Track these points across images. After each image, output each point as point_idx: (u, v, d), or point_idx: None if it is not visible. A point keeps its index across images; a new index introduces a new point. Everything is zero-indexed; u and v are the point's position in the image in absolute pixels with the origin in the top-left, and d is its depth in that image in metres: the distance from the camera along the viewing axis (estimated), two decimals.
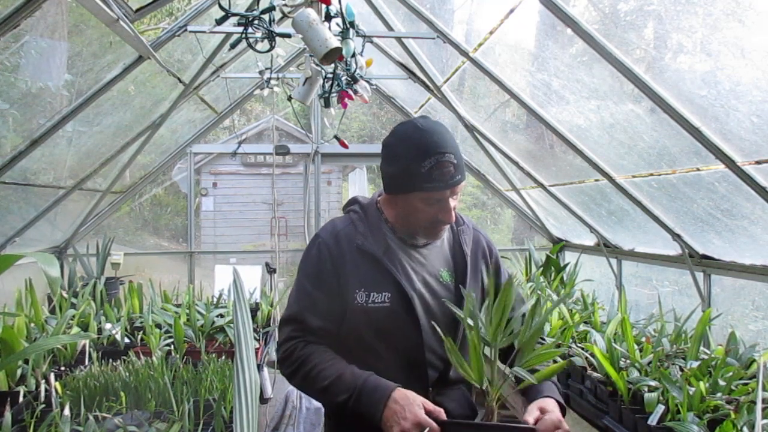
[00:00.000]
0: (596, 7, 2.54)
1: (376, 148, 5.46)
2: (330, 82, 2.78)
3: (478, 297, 1.43)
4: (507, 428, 1.15)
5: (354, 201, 1.50)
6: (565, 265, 4.31)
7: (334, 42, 2.05)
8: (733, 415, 1.80)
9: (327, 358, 1.31)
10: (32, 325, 2.71)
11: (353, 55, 2.58)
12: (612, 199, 3.47)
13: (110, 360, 2.37)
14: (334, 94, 2.84)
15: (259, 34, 2.20)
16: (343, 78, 2.80)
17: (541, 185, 4.13)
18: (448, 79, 3.86)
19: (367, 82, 2.92)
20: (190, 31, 2.81)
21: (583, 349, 2.68)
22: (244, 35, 2.19)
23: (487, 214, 12.43)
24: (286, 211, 9.14)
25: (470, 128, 4.09)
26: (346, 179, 11.02)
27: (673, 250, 3.26)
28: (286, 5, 2.14)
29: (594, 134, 3.06)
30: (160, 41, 2.82)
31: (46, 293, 3.64)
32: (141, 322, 3.12)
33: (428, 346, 1.34)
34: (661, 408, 1.96)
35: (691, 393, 1.93)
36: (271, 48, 2.21)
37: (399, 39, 3.75)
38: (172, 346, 2.79)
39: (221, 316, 3.18)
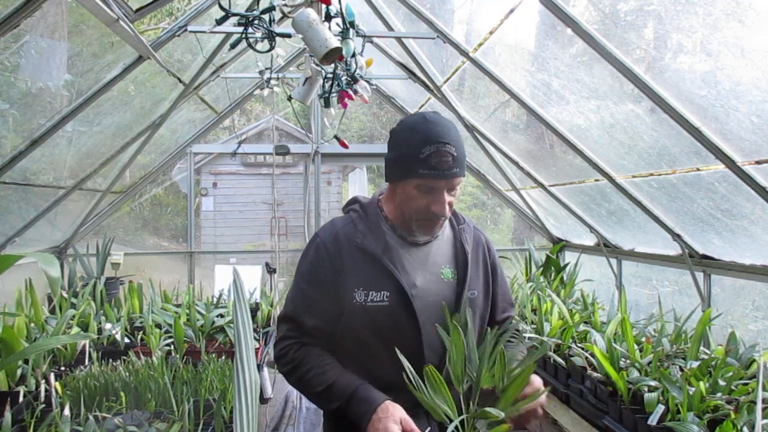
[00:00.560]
0: (596, 7, 2.54)
1: (376, 148, 5.47)
2: (330, 82, 2.78)
3: (480, 296, 1.43)
4: None
5: (354, 200, 1.51)
6: (565, 265, 4.31)
7: (334, 42, 2.05)
8: (733, 415, 1.80)
9: (321, 363, 1.32)
10: (32, 325, 2.71)
11: (353, 55, 2.58)
12: (612, 199, 3.47)
13: (110, 360, 2.37)
14: (334, 94, 2.84)
15: (259, 34, 2.20)
16: (343, 78, 2.80)
17: (541, 185, 4.13)
18: (448, 79, 3.86)
19: (367, 82, 2.92)
20: (190, 31, 2.81)
21: (583, 349, 2.68)
22: (244, 35, 2.19)
23: (487, 214, 12.43)
24: (286, 211, 9.14)
25: (470, 128, 4.09)
26: (346, 179, 11.01)
27: (673, 250, 3.26)
28: (286, 5, 2.14)
29: (594, 134, 3.06)
30: (160, 41, 2.82)
31: (46, 293, 3.64)
32: (141, 322, 3.12)
33: (428, 344, 1.34)
34: (661, 408, 1.97)
35: (691, 393, 1.93)
36: (271, 48, 2.21)
37: (399, 39, 3.75)
38: (172, 346, 2.79)
39: (221, 316, 3.18)
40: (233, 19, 2.12)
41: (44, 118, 2.75)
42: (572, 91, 2.90)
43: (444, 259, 1.42)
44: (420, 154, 1.26)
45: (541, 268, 4.44)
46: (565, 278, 4.13)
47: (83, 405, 1.85)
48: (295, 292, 1.40)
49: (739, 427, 1.74)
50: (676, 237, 3.09)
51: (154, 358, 2.34)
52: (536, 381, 1.28)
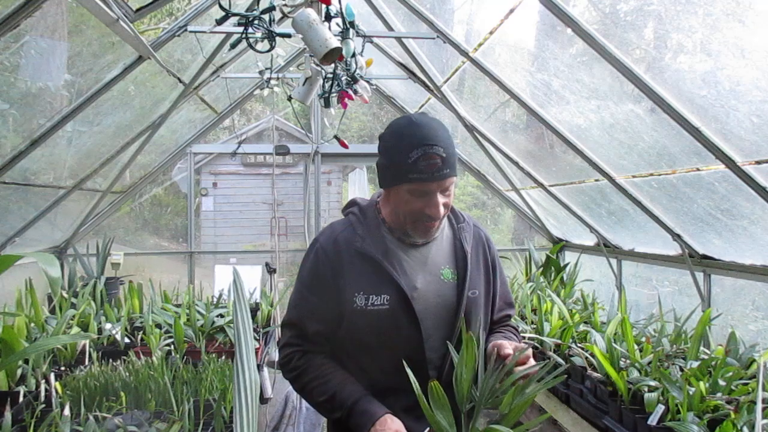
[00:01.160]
0: (596, 7, 2.54)
1: (376, 148, 5.46)
2: (330, 82, 2.78)
3: (481, 294, 1.42)
4: None
5: (353, 203, 1.50)
6: (565, 265, 4.31)
7: (334, 42, 2.05)
8: (733, 415, 1.80)
9: (324, 372, 1.33)
10: (32, 325, 2.71)
11: (353, 55, 2.58)
12: (612, 199, 3.47)
13: (110, 360, 2.37)
14: (334, 94, 2.84)
15: (259, 34, 2.20)
16: (343, 78, 2.80)
17: (541, 185, 4.13)
18: (448, 79, 3.86)
19: (367, 82, 2.92)
20: (190, 31, 2.81)
21: (583, 349, 2.68)
22: (244, 35, 2.18)
23: (487, 214, 12.43)
24: (286, 211, 9.13)
25: (470, 128, 4.09)
26: (346, 179, 11.01)
27: (673, 250, 3.26)
28: (286, 5, 2.14)
29: (594, 134, 3.06)
30: (160, 41, 2.82)
31: (46, 293, 3.64)
32: (141, 322, 3.12)
33: (429, 346, 1.34)
34: (661, 408, 1.96)
35: (691, 393, 1.93)
36: (271, 48, 2.21)
37: (399, 39, 3.75)
38: (172, 346, 2.79)
39: (221, 316, 3.18)
40: (233, 19, 2.12)
41: (44, 118, 2.75)
42: (572, 91, 2.90)
43: (444, 259, 1.41)
44: (408, 159, 1.25)
45: (541, 268, 4.44)
46: (565, 278, 4.13)
47: (83, 405, 1.85)
48: (296, 298, 1.40)
49: (739, 427, 1.74)
50: (676, 237, 3.09)
51: (154, 358, 2.34)
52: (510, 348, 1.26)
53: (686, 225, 3.01)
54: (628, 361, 2.37)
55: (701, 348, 2.43)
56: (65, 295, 3.33)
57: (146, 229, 11.16)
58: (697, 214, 2.85)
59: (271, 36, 2.15)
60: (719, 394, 1.97)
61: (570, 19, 2.29)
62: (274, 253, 4.64)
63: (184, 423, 1.79)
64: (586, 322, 3.04)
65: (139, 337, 2.92)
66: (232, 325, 2.76)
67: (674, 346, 2.54)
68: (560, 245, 4.76)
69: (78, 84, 2.79)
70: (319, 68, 2.71)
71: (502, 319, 1.53)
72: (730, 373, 2.06)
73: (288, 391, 3.46)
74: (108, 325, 2.95)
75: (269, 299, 3.84)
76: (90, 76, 2.77)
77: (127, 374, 2.12)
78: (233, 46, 2.40)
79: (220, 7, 2.07)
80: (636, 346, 2.44)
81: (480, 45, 3.14)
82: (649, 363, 2.29)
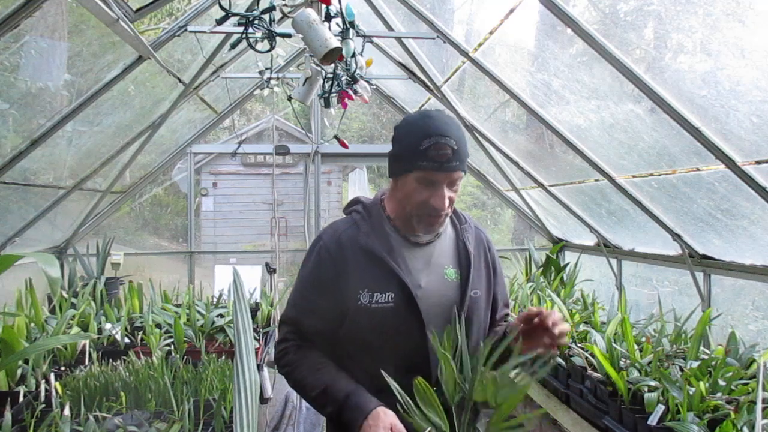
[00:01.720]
0: (596, 7, 2.54)
1: (376, 148, 5.46)
2: (330, 82, 2.79)
3: (482, 295, 1.42)
4: None
5: (356, 201, 1.50)
6: (565, 265, 4.32)
7: (334, 42, 2.05)
8: (733, 415, 1.81)
9: (316, 367, 1.33)
10: (32, 325, 2.71)
11: (353, 55, 2.58)
12: (612, 199, 3.47)
13: (110, 360, 2.37)
14: (334, 94, 2.84)
15: (259, 34, 2.20)
16: (343, 78, 2.80)
17: (541, 185, 4.13)
18: (448, 79, 3.86)
19: (367, 82, 2.92)
20: (190, 31, 2.81)
21: (583, 349, 2.68)
22: (244, 35, 2.19)
23: (487, 214, 12.43)
24: (286, 211, 9.14)
25: (470, 128, 4.09)
26: (346, 179, 11.02)
27: (673, 250, 3.26)
28: (286, 5, 2.14)
29: (594, 134, 3.06)
30: (160, 41, 2.82)
31: (46, 293, 3.63)
32: (141, 322, 3.12)
33: (433, 344, 1.34)
34: (661, 408, 1.97)
35: (691, 393, 1.93)
36: (271, 48, 2.21)
37: (399, 39, 3.75)
38: (172, 346, 2.79)
39: (221, 316, 3.18)
40: (233, 19, 2.12)
41: (44, 118, 2.75)
42: (572, 91, 2.90)
43: (447, 259, 1.42)
44: (419, 147, 1.27)
45: (541, 268, 4.44)
46: (565, 278, 4.13)
47: (83, 405, 1.85)
48: (296, 295, 1.40)
49: (739, 427, 1.74)
50: (676, 237, 3.09)
51: (154, 358, 2.34)
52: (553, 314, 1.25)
53: (686, 225, 3.01)
54: (628, 361, 2.37)
55: (701, 348, 2.43)
56: (65, 295, 3.33)
57: (146, 229, 11.16)
58: (697, 214, 2.85)
59: (271, 36, 2.15)
60: (719, 394, 1.97)
61: (570, 19, 2.29)
62: (274, 253, 4.64)
63: (184, 423, 1.79)
64: (586, 322, 3.04)
65: (139, 337, 2.92)
66: (232, 325, 2.76)
67: (674, 346, 2.54)
68: (560, 245, 4.76)
69: (78, 84, 2.79)
70: (319, 68, 2.71)
71: (503, 318, 1.54)
72: (730, 373, 2.06)
73: (288, 391, 3.46)
74: (108, 325, 2.95)
75: (269, 299, 3.84)
76: (90, 76, 2.77)
77: (127, 374, 2.12)
78: (233, 46, 2.40)
79: (220, 7, 2.07)
80: (636, 346, 2.44)
81: (480, 45, 3.14)
82: (649, 363, 2.29)
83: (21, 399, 2.00)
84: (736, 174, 2.26)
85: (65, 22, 2.58)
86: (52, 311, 3.22)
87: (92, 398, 1.99)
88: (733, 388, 2.01)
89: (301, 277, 1.41)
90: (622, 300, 3.03)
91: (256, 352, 2.96)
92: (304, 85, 2.73)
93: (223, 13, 2.09)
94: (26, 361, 2.25)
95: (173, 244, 11.07)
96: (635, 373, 2.26)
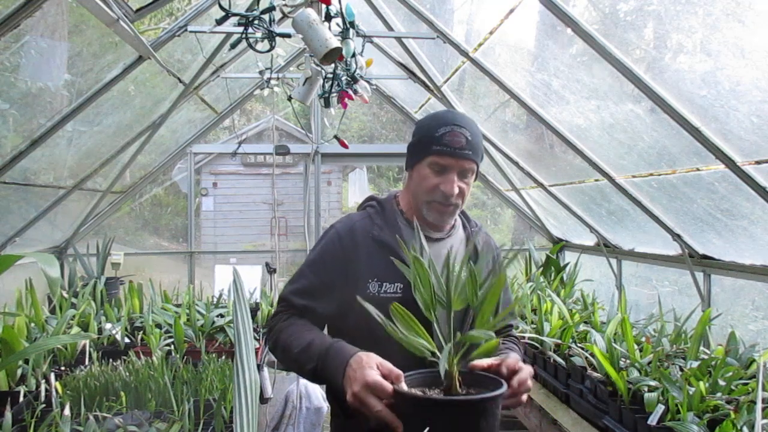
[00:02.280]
0: (596, 7, 2.54)
1: (376, 148, 5.47)
2: (330, 82, 2.78)
3: None
4: (469, 403, 0.97)
5: (371, 198, 1.55)
6: (565, 265, 4.31)
7: (334, 42, 2.05)
8: (733, 415, 1.80)
9: (302, 329, 1.31)
10: (32, 325, 2.71)
11: (353, 55, 2.58)
12: (612, 199, 3.47)
13: (110, 360, 2.37)
14: (334, 94, 2.84)
15: (259, 34, 2.21)
16: (343, 78, 2.80)
17: (541, 185, 4.13)
18: (448, 79, 3.86)
19: (367, 82, 2.92)
20: (190, 31, 2.81)
21: (583, 349, 2.68)
22: (244, 35, 2.19)
23: (487, 214, 12.43)
24: (286, 211, 9.13)
25: None
26: (346, 179, 11.01)
27: (673, 250, 3.26)
28: (286, 5, 2.14)
29: (594, 134, 3.06)
30: (160, 41, 2.82)
31: (47, 293, 3.63)
32: (141, 322, 3.12)
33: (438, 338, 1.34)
34: (661, 408, 1.97)
35: (691, 393, 1.93)
36: (271, 48, 2.21)
37: (399, 39, 3.75)
38: (172, 346, 2.79)
39: (221, 316, 3.18)
40: (233, 19, 2.12)
41: (44, 118, 2.75)
42: (572, 91, 2.90)
43: (457, 257, 1.42)
44: (435, 133, 1.33)
45: (541, 268, 4.44)
46: (565, 278, 4.13)
47: (83, 405, 1.85)
48: (297, 274, 1.43)
49: (738, 427, 1.74)
50: (676, 237, 3.09)
51: (154, 358, 2.34)
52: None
53: (686, 225, 3.01)
54: (628, 361, 2.37)
55: (701, 348, 2.43)
56: (65, 295, 3.33)
57: (146, 229, 11.16)
58: (697, 214, 2.85)
59: (271, 36, 2.15)
60: (719, 394, 1.97)
61: (570, 19, 2.29)
62: (274, 253, 4.64)
63: (184, 423, 1.79)
64: (586, 322, 3.04)
65: (139, 337, 2.92)
66: (232, 325, 2.76)
67: (674, 346, 2.54)
68: (560, 245, 4.76)
69: (78, 84, 2.79)
70: (319, 68, 2.71)
71: (505, 328, 1.54)
72: (730, 373, 2.06)
73: (288, 391, 3.46)
74: (108, 325, 2.95)
75: (269, 299, 3.84)
76: (90, 76, 2.78)
77: (127, 374, 2.12)
78: (233, 46, 2.40)
79: (220, 7, 2.07)
80: (636, 346, 2.44)
81: (480, 45, 3.14)
82: (649, 363, 2.29)
83: (21, 399, 2.00)
84: (736, 174, 2.26)
85: (65, 22, 2.58)
86: (52, 311, 3.22)
87: (92, 398, 1.99)
88: (733, 388, 2.01)
89: (307, 259, 1.44)
90: (622, 300, 3.03)
91: (256, 352, 2.96)
92: (304, 85, 2.73)
93: (223, 13, 2.09)
94: (26, 361, 2.25)
95: (173, 244, 11.06)
96: (635, 373, 2.26)
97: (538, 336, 2.94)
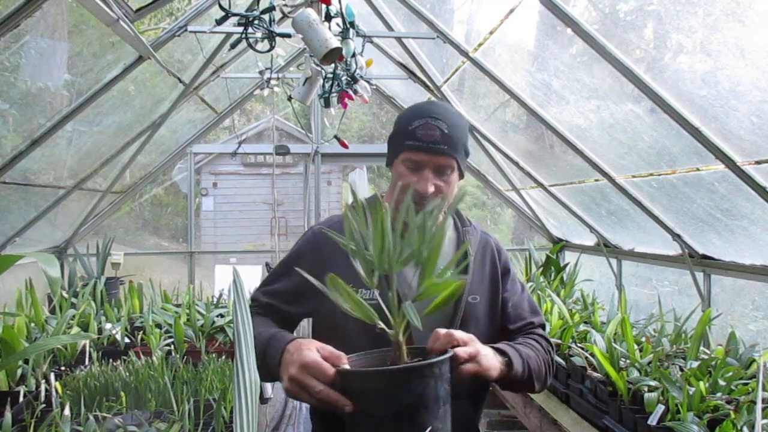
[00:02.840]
0: (596, 7, 2.54)
1: (376, 148, 5.47)
2: (330, 82, 2.79)
3: (483, 301, 1.34)
4: (414, 369, 0.90)
5: (357, 199, 1.49)
6: (565, 265, 4.31)
7: (334, 42, 2.05)
8: (733, 415, 1.81)
9: (256, 326, 1.21)
10: (32, 325, 2.71)
11: (353, 55, 2.58)
12: (612, 199, 3.47)
13: (110, 360, 2.36)
14: (334, 94, 2.84)
15: (259, 34, 2.21)
16: (343, 78, 2.80)
17: (541, 185, 4.13)
18: (448, 79, 3.87)
19: (367, 82, 2.92)
20: (190, 31, 2.81)
21: (583, 349, 2.68)
22: (244, 35, 2.19)
23: (487, 214, 12.43)
24: (286, 211, 9.13)
25: (470, 128, 4.09)
26: (346, 179, 11.02)
27: (673, 250, 3.26)
28: (286, 5, 2.14)
29: (594, 134, 3.06)
30: (160, 41, 2.82)
31: (47, 293, 3.64)
32: (141, 322, 3.12)
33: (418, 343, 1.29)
34: (661, 408, 1.97)
35: (691, 393, 1.93)
36: (271, 48, 2.21)
37: (399, 39, 3.76)
38: (172, 346, 2.79)
39: (221, 316, 3.18)
40: (233, 19, 2.12)
41: (44, 118, 2.75)
42: (572, 91, 2.90)
43: (443, 260, 1.31)
44: (409, 127, 1.23)
45: (541, 268, 4.44)
46: (565, 278, 4.13)
47: (83, 405, 1.85)
48: (269, 275, 1.40)
49: (738, 427, 1.74)
50: (676, 237, 3.09)
51: (154, 358, 2.34)
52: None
53: (686, 225, 3.01)
54: (628, 361, 2.37)
55: (701, 348, 2.44)
56: (65, 295, 3.33)
57: (146, 229, 11.16)
58: (696, 214, 2.85)
59: (271, 36, 2.15)
60: (719, 394, 1.97)
61: (570, 19, 2.30)
62: (274, 253, 4.64)
63: (184, 423, 1.79)
64: (586, 322, 3.04)
65: (139, 337, 2.92)
66: (232, 325, 2.76)
67: (674, 346, 2.54)
68: (560, 245, 4.76)
69: (78, 84, 2.79)
70: (319, 68, 2.71)
71: (524, 328, 1.38)
72: (730, 373, 2.06)
73: None
74: (108, 325, 2.95)
75: None
76: (90, 76, 2.78)
77: (127, 374, 2.12)
78: (233, 46, 2.40)
79: (220, 7, 2.07)
80: (636, 346, 2.44)
81: (480, 45, 3.14)
82: (649, 363, 2.29)
83: (21, 399, 2.00)
84: (736, 174, 2.26)
85: (65, 22, 2.58)
86: (52, 311, 3.22)
87: (92, 398, 1.99)
88: (733, 388, 2.01)
89: (281, 260, 1.39)
90: (622, 300, 3.03)
91: None
92: (304, 85, 2.74)
93: (223, 13, 2.09)
94: (26, 361, 2.25)
95: (173, 244, 11.07)
96: (635, 373, 2.26)
97: None
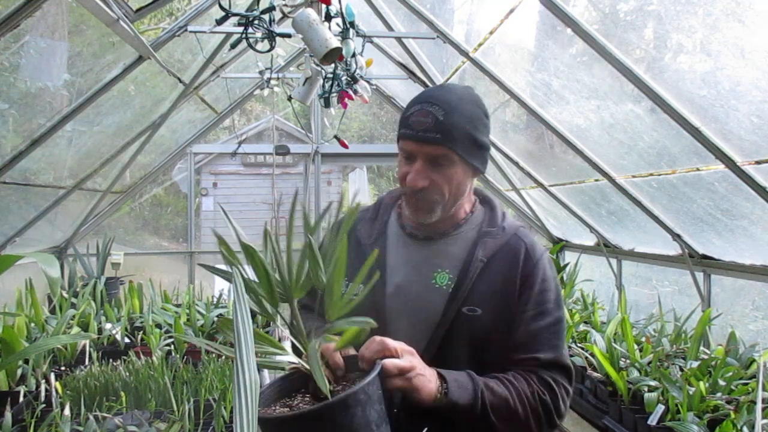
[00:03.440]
0: (596, 7, 2.54)
1: (376, 148, 5.47)
2: (330, 82, 2.78)
3: (486, 318, 1.11)
4: (335, 405, 0.81)
5: (392, 191, 1.39)
6: (565, 265, 4.31)
7: (334, 42, 2.05)
8: (732, 415, 1.81)
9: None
10: (32, 325, 2.71)
11: (353, 55, 2.58)
12: (612, 199, 3.47)
13: (110, 360, 2.36)
14: (334, 94, 2.84)
15: (259, 34, 2.20)
16: (343, 78, 2.80)
17: (541, 185, 4.13)
18: (448, 79, 3.86)
19: (367, 82, 2.92)
20: (190, 31, 2.81)
21: (583, 349, 2.68)
22: (244, 35, 2.19)
23: None
24: (286, 211, 9.12)
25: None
26: (346, 179, 11.01)
27: (673, 250, 3.26)
28: (286, 5, 2.14)
29: (594, 134, 3.06)
30: (160, 41, 2.82)
31: (47, 293, 3.64)
32: (141, 322, 3.12)
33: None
34: (661, 408, 1.97)
35: (691, 393, 1.93)
36: (271, 48, 2.21)
37: (399, 39, 3.75)
38: (172, 346, 2.79)
39: (221, 316, 3.18)
40: (233, 19, 2.12)
41: (44, 118, 2.75)
42: (572, 91, 2.90)
43: (447, 262, 1.18)
44: (407, 113, 1.13)
45: None
46: (565, 278, 4.13)
47: (83, 405, 1.84)
48: None
49: (738, 427, 1.74)
50: (676, 237, 3.09)
51: (154, 358, 2.34)
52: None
53: (686, 225, 3.01)
54: (628, 361, 2.37)
55: (701, 348, 2.44)
56: (65, 295, 3.33)
57: (146, 229, 11.16)
58: (697, 214, 2.85)
59: (271, 36, 2.15)
60: (719, 394, 1.97)
61: (570, 19, 2.30)
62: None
63: (184, 423, 1.79)
64: (586, 322, 3.04)
65: (139, 337, 2.92)
66: (229, 330, 2.76)
67: (674, 346, 2.54)
68: (560, 245, 4.76)
69: (78, 84, 2.79)
70: (319, 68, 2.71)
71: (523, 363, 1.10)
72: (730, 373, 2.06)
73: None
74: (108, 325, 2.95)
75: None
76: (90, 76, 2.78)
77: (127, 374, 2.12)
78: (233, 46, 2.40)
79: (220, 7, 2.07)
80: (636, 346, 2.44)
81: (480, 45, 3.14)
82: (649, 363, 2.29)
83: (21, 399, 2.00)
84: (736, 174, 2.26)
85: (65, 22, 2.58)
86: (52, 311, 3.22)
87: (92, 398, 1.99)
88: (733, 388, 2.01)
89: None
90: (622, 300, 3.03)
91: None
92: (304, 85, 2.73)
93: (223, 13, 2.09)
94: (26, 361, 2.25)
95: (173, 244, 11.07)
96: (635, 373, 2.26)
97: None
